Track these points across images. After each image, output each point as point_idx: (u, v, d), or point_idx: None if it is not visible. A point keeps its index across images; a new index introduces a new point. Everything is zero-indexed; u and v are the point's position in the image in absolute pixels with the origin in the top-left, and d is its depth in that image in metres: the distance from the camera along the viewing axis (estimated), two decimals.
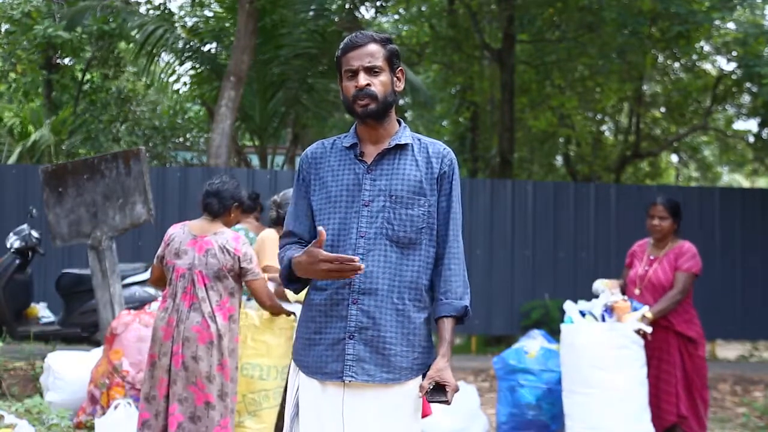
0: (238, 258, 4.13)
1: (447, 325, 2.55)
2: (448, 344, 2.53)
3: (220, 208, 4.23)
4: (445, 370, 2.47)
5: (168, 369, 4.05)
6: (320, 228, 2.43)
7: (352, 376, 2.48)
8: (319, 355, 2.52)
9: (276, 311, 4.43)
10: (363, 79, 2.52)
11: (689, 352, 5.05)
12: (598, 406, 4.88)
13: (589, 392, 4.92)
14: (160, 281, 4.34)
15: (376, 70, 2.54)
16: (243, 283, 4.28)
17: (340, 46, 2.59)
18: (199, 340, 4.01)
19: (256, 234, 5.46)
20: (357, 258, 2.38)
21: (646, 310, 4.94)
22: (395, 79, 2.60)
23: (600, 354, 4.89)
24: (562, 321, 5.22)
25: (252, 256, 4.19)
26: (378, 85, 2.53)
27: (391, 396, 2.51)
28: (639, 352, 4.92)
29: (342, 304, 2.51)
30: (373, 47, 2.55)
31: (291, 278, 2.58)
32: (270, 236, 4.74)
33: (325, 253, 2.39)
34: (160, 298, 4.39)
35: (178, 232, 4.23)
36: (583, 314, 5.16)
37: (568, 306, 5.21)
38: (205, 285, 4.08)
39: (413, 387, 2.54)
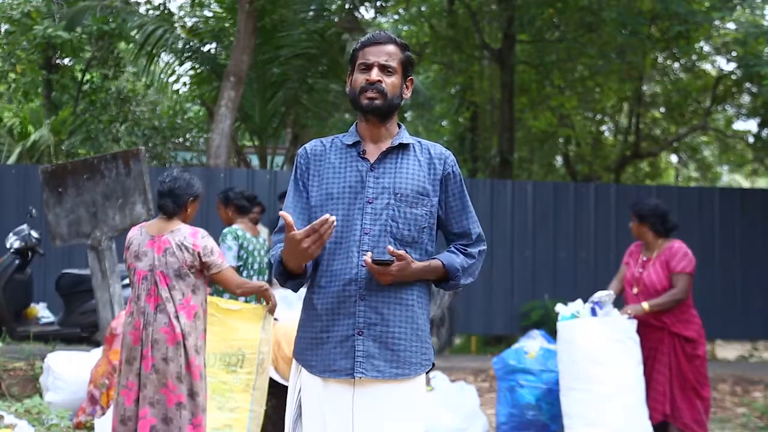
0: (198, 253, 4.07)
1: (434, 262, 2.58)
2: (423, 267, 2.55)
3: (175, 207, 4.17)
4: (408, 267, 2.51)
5: (138, 373, 4.01)
6: (283, 212, 2.43)
7: (362, 373, 2.48)
8: (327, 353, 2.52)
9: (249, 293, 4.40)
10: (376, 74, 2.56)
11: (686, 352, 5.08)
12: (596, 402, 4.90)
13: (586, 388, 4.94)
14: None
15: (390, 70, 2.58)
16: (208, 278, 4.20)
17: (360, 41, 2.63)
18: (168, 342, 3.98)
19: (252, 235, 5.45)
20: (327, 216, 2.36)
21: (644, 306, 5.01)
22: (404, 85, 2.63)
23: (597, 348, 4.92)
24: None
25: (213, 248, 4.12)
26: (389, 84, 2.57)
27: (400, 391, 2.52)
28: (634, 348, 4.96)
29: (349, 301, 2.51)
30: (391, 48, 2.59)
31: (285, 275, 2.57)
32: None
33: (300, 231, 2.38)
34: None
35: (136, 234, 4.17)
36: (575, 316, 5.19)
37: (560, 308, 5.24)
38: (167, 285, 4.03)
39: (420, 382, 2.57)
